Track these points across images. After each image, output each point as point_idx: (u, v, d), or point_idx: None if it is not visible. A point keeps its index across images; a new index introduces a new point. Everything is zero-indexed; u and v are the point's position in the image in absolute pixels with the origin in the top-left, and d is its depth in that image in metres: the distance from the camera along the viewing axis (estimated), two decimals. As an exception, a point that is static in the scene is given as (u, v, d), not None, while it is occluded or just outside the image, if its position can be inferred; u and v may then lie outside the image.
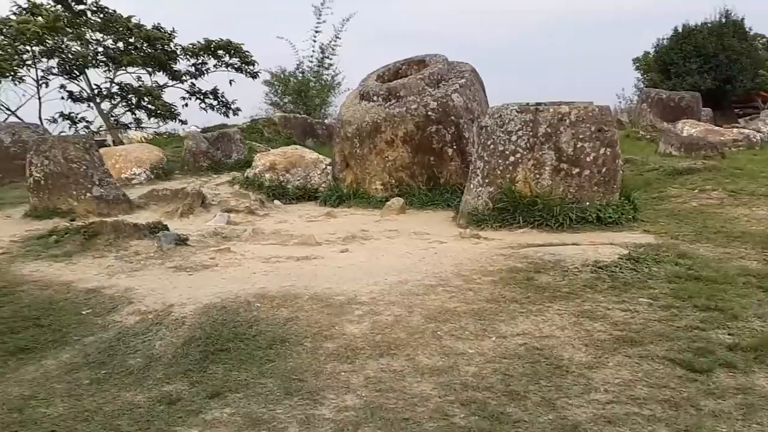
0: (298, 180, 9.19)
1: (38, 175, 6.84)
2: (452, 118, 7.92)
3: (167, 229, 5.42)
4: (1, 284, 4.31)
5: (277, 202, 8.34)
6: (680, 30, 19.92)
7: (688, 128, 11.99)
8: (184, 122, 15.57)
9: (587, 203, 5.90)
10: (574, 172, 5.89)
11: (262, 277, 4.29)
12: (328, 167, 9.21)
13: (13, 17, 12.81)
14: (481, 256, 4.69)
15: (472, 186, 6.37)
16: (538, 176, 5.94)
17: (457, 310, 3.53)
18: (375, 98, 8.38)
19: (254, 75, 16.20)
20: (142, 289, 4.06)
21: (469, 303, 3.63)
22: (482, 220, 6.10)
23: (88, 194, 6.83)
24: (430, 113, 7.88)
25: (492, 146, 6.15)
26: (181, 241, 5.14)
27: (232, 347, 3.14)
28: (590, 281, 3.97)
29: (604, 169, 5.95)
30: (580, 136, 5.87)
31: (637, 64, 21.96)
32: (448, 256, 4.79)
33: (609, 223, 5.84)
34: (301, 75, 18.41)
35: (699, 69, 18.47)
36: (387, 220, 7.02)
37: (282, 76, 18.59)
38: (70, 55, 13.47)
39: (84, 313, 3.72)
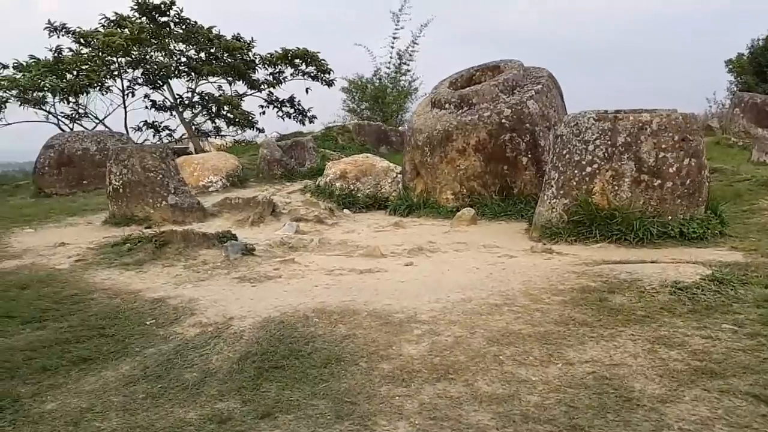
0: (369, 188, 9.16)
1: (117, 183, 7.08)
2: (527, 125, 7.67)
3: (235, 238, 5.46)
4: (73, 292, 4.44)
5: (346, 211, 8.32)
6: (777, 30, 18.75)
7: (785, 135, 11.22)
8: (261, 130, 15.92)
9: (669, 217, 5.56)
10: (655, 184, 5.56)
11: (323, 291, 4.23)
12: (399, 176, 9.13)
13: (101, 29, 13.43)
14: (552, 273, 4.47)
15: (546, 197, 6.12)
16: (616, 188, 5.64)
17: (522, 332, 3.34)
18: (447, 106, 8.24)
19: (330, 83, 16.36)
20: (206, 300, 4.08)
21: (536, 325, 3.44)
22: (556, 233, 5.86)
23: (164, 202, 7.02)
24: (503, 121, 7.67)
25: (567, 156, 5.90)
26: (248, 251, 5.16)
27: (287, 365, 3.07)
28: (668, 304, 3.69)
29: (688, 181, 5.59)
30: (663, 146, 5.53)
31: (730, 67, 20.77)
32: (517, 272, 4.59)
33: (693, 239, 5.49)
34: (378, 81, 18.49)
35: (798, 71, 17.29)
36: (456, 231, 6.86)
37: (359, 83, 18.73)
38: (154, 66, 14.00)
39: (148, 323, 3.76)
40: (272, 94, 16.10)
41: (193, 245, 5.19)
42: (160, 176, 7.05)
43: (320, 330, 3.45)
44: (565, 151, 5.91)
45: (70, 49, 13.67)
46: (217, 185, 9.74)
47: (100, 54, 13.01)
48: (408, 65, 18.57)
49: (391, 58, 18.21)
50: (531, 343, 3.21)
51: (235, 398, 2.82)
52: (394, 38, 17.91)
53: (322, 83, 16.36)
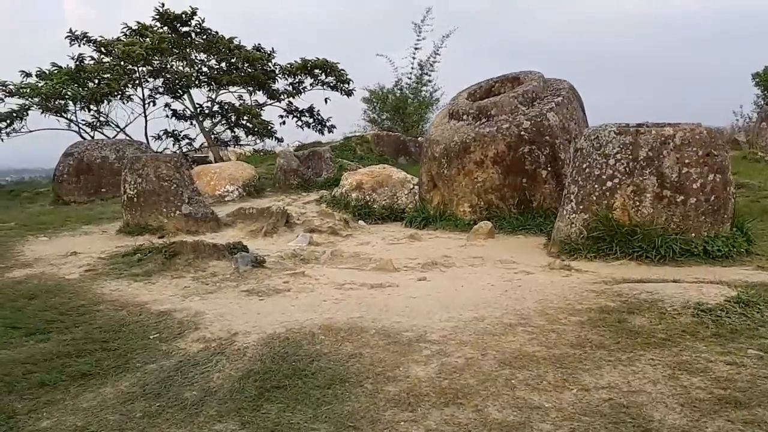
0: (385, 200, 9.05)
1: (131, 192, 7.06)
2: (547, 138, 7.53)
3: (246, 250, 5.38)
4: (80, 303, 4.37)
5: (361, 222, 8.22)
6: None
7: (813, 150, 10.91)
8: (280, 140, 15.91)
9: (693, 234, 5.38)
10: (678, 200, 5.38)
11: (331, 306, 4.12)
12: (416, 187, 9.01)
13: (124, 38, 13.53)
14: (569, 292, 4.31)
15: (565, 212, 5.97)
16: (637, 203, 5.47)
17: (536, 355, 3.20)
18: (465, 117, 8.12)
19: (349, 93, 16.32)
20: (211, 314, 3.99)
21: (551, 347, 3.29)
22: (575, 249, 5.70)
23: (178, 212, 6.97)
24: (522, 133, 7.53)
25: (588, 170, 5.74)
26: (258, 263, 5.07)
27: (290, 384, 2.96)
28: (691, 326, 3.52)
29: (712, 197, 5.41)
30: (686, 161, 5.36)
31: (757, 80, 20.37)
32: (533, 290, 4.45)
33: (717, 257, 5.30)
34: (399, 92, 18.45)
35: (827, 84, 16.90)
36: (473, 245, 6.72)
37: (380, 93, 18.70)
38: (174, 75, 14.07)
39: (151, 337, 3.67)
40: (292, 103, 16.11)
41: (203, 256, 5.12)
42: (175, 186, 7.01)
43: (326, 348, 3.33)
44: (585, 165, 5.76)
45: (92, 58, 13.80)
46: (233, 195, 9.71)
47: (122, 63, 13.09)
48: (429, 76, 18.53)
49: (412, 68, 18.20)
50: (545, 366, 3.07)
51: (234, 420, 2.71)
52: (416, 49, 17.92)
53: (341, 93, 16.34)
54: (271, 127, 14.99)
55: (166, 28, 14.05)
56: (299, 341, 3.42)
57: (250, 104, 15.23)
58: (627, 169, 5.49)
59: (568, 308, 3.92)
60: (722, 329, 3.47)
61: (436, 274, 5.22)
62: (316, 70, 15.55)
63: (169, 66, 14.03)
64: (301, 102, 16.15)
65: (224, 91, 15.14)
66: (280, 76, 15.53)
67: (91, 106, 13.79)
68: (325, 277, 5.01)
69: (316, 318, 3.80)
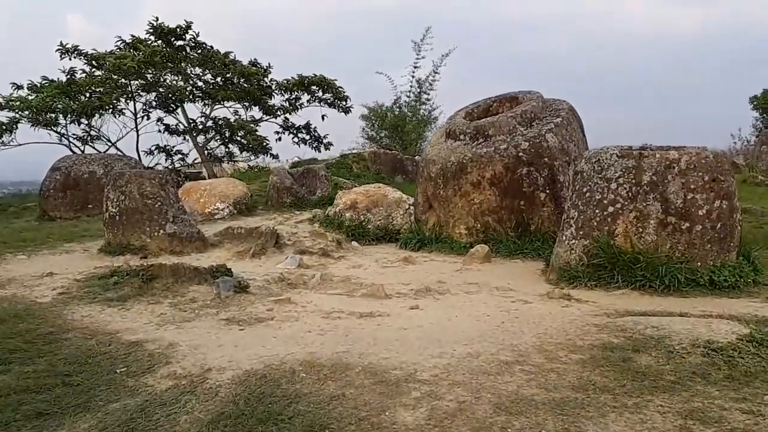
0: (380, 220, 8.81)
1: (114, 210, 6.79)
2: (545, 159, 7.30)
3: (230, 273, 5.11)
4: (48, 330, 4.10)
5: (354, 243, 7.96)
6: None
7: (816, 174, 10.71)
8: (275, 156, 15.67)
9: (698, 263, 5.13)
10: (683, 227, 5.14)
11: (316, 338, 3.85)
12: (411, 207, 8.77)
13: (118, 51, 13.33)
14: (570, 325, 4.05)
15: (564, 237, 5.72)
16: (640, 230, 5.23)
17: (535, 399, 2.93)
18: (461, 137, 7.90)
19: (346, 110, 16.13)
20: (186, 346, 3.72)
21: (550, 390, 3.02)
22: (575, 276, 5.44)
23: (162, 231, 6.70)
24: (521, 154, 7.30)
25: (588, 194, 5.50)
26: (241, 288, 4.80)
27: (263, 431, 2.69)
28: (701, 368, 3.26)
29: (719, 225, 5.17)
30: (691, 186, 5.13)
31: (755, 103, 20.29)
32: (531, 322, 4.19)
33: (724, 288, 5.05)
34: (398, 110, 18.35)
35: (827, 108, 16.80)
36: (469, 269, 6.47)
37: (379, 110, 18.59)
38: (167, 90, 13.85)
39: (118, 372, 3.39)
40: (288, 120, 15.90)
41: (183, 280, 4.85)
42: (159, 203, 6.74)
43: (306, 388, 3.06)
44: (585, 189, 5.52)
45: (84, 71, 13.59)
46: (223, 212, 9.45)
47: (113, 76, 12.87)
48: (428, 94, 18.45)
49: (411, 86, 18.12)
50: (544, 413, 2.80)
51: (199, 472, 2.44)
52: (415, 67, 17.90)
53: (338, 110, 16.14)
54: (266, 143, 14.76)
55: (160, 41, 13.87)
56: (278, 379, 3.15)
57: (245, 120, 15.01)
58: (629, 193, 5.25)
59: (568, 344, 3.66)
60: (735, 371, 3.21)
61: (430, 302, 4.96)
62: (313, 87, 15.36)
63: (162, 80, 13.81)
64: (297, 118, 15.97)
65: (219, 106, 14.94)
66: (276, 91, 15.33)
67: (82, 120, 13.57)
68: (312, 304, 4.75)
69: (299, 352, 3.53)
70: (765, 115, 19.97)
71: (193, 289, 4.82)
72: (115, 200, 6.78)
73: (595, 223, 5.40)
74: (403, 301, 4.93)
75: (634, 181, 5.24)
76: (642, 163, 5.25)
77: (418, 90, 18.33)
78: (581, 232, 5.50)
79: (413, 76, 18.05)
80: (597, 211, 5.40)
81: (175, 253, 6.57)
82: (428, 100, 18.58)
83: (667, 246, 5.16)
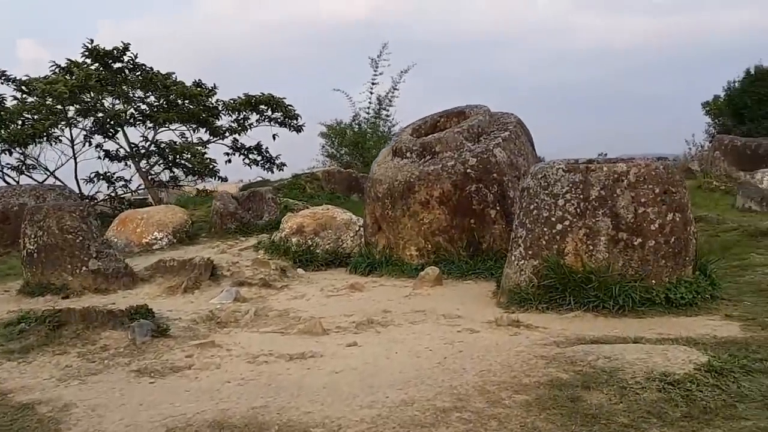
0: (329, 244, 8.41)
1: (31, 246, 6.26)
2: (494, 175, 7.02)
3: (150, 314, 4.65)
4: (-68, 393, 3.59)
5: (300, 270, 7.55)
6: (753, 72, 18.58)
7: (768, 179, 10.68)
8: (224, 179, 15.13)
9: (653, 281, 4.87)
10: (635, 243, 4.88)
11: (234, 390, 3.43)
12: (362, 229, 8.40)
13: (52, 75, 12.74)
14: (516, 359, 3.72)
15: (513, 258, 5.41)
16: (591, 248, 4.95)
17: (471, 457, 2.57)
18: (408, 154, 7.58)
19: (298, 129, 15.70)
20: (83, 407, 3.26)
21: (489, 444, 2.67)
22: (526, 299, 5.14)
23: (84, 268, 6.18)
24: (469, 170, 7.01)
25: (535, 211, 5.21)
26: (160, 332, 4.35)
27: None
28: (657, 405, 2.94)
29: (672, 239, 4.91)
30: (642, 200, 4.87)
31: (707, 109, 20.52)
32: (476, 356, 3.84)
33: (681, 305, 4.80)
34: (357, 127, 18.10)
35: (776, 113, 17.02)
36: (418, 294, 6.13)
37: (338, 128, 18.29)
38: (105, 114, 13.26)
39: (-4, 445, 2.93)
40: (237, 141, 15.41)
41: (95, 326, 4.37)
42: (80, 238, 6.23)
43: (210, 457, 2.65)
44: (532, 206, 5.23)
45: (15, 98, 12.94)
46: (162, 242, 8.93)
47: (46, 102, 12.26)
48: (387, 110, 18.23)
49: (370, 103, 17.89)
50: (481, 475, 2.44)
51: None
52: (373, 83, 17.66)
53: (290, 129, 15.71)
54: (214, 166, 14.24)
55: (96, 64, 13.30)
56: (178, 447, 2.73)
57: (190, 142, 14.46)
58: (578, 210, 4.97)
59: (513, 383, 3.32)
60: (694, 408, 2.90)
61: (370, 336, 4.58)
62: (262, 106, 14.91)
63: (98, 104, 13.20)
64: (248, 139, 15.47)
65: (164, 129, 14.37)
66: (223, 112, 14.84)
67: (15, 149, 12.90)
68: (240, 346, 4.32)
69: (210, 410, 3.11)
70: (717, 120, 20.20)
71: (106, 335, 4.34)
72: (32, 236, 6.25)
73: (544, 242, 5.11)
74: (341, 337, 4.54)
75: (582, 196, 4.97)
76: (589, 177, 4.98)
77: (378, 107, 18.12)
78: (530, 252, 5.20)
79: (371, 93, 17.84)
80: (545, 229, 5.11)
81: (99, 291, 6.08)
82: (388, 116, 18.37)
83: (619, 264, 4.89)
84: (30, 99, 12.72)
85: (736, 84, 18.97)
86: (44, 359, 4.09)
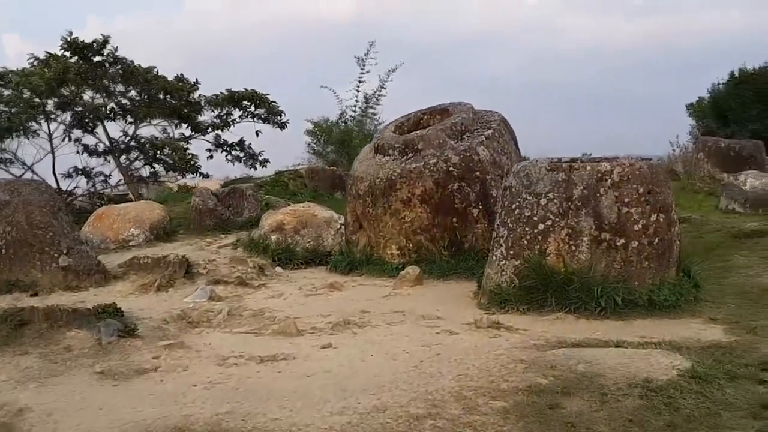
0: (309, 242, 8.24)
1: (-1, 242, 6.07)
2: (477, 174, 6.90)
3: (119, 313, 4.49)
4: None
5: (279, 269, 7.39)
6: (737, 74, 18.64)
7: (752, 180, 10.61)
8: (206, 175, 14.89)
9: (636, 282, 4.78)
10: (618, 244, 4.78)
11: (200, 394, 3.29)
12: (343, 227, 8.25)
13: (30, 68, 12.47)
14: (494, 362, 3.60)
15: (494, 258, 5.30)
16: (573, 248, 4.85)
17: (444, 468, 2.45)
18: (390, 152, 7.44)
19: (282, 125, 15.49)
20: (38, 412, 3.10)
21: (463, 454, 2.55)
22: (506, 300, 5.03)
23: (54, 264, 5.99)
24: (451, 168, 6.88)
25: (517, 211, 5.10)
26: (127, 332, 4.19)
27: None
28: (639, 413, 2.84)
29: (656, 240, 4.83)
30: (626, 200, 4.77)
31: (691, 110, 20.58)
32: (453, 359, 3.72)
33: (664, 308, 4.71)
34: (344, 125, 17.97)
35: (759, 115, 17.06)
36: (398, 293, 6.01)
37: (324, 125, 18.14)
38: (84, 108, 12.99)
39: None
40: (220, 137, 15.17)
41: (60, 325, 4.20)
42: (50, 234, 6.04)
43: (168, 467, 2.50)
44: (514, 206, 5.12)
45: (-10, 91, 12.61)
46: (138, 239, 8.72)
47: (23, 96, 11.98)
48: (374, 109, 18.11)
49: (357, 101, 17.77)
50: (453, 487, 2.32)
51: None
52: (360, 82, 17.54)
53: (273, 126, 15.50)
54: (195, 162, 14.01)
55: (76, 57, 13.03)
56: (136, 457, 2.58)
57: (171, 138, 14.22)
58: (560, 209, 4.87)
59: (490, 388, 3.20)
60: (677, 417, 2.79)
61: (346, 337, 4.45)
62: (245, 102, 14.69)
63: (78, 98, 12.93)
64: (231, 135, 15.25)
65: (145, 124, 14.12)
66: (206, 107, 14.61)
67: (-11, 143, 12.61)
68: (210, 347, 4.17)
69: (172, 415, 2.96)
70: (701, 122, 20.25)
71: (71, 335, 4.17)
72: (0, 232, 6.05)
73: (526, 242, 5.00)
74: (316, 339, 4.40)
75: (564, 195, 4.86)
76: (572, 176, 4.87)
77: (365, 105, 18.01)
78: (511, 252, 5.09)
79: (358, 91, 17.72)
80: (527, 228, 5.00)
81: (70, 288, 5.89)
82: (374, 114, 18.26)
83: (602, 264, 4.79)
84: (6, 92, 12.42)
85: (721, 86, 19.03)
86: (3, 360, 3.92)
